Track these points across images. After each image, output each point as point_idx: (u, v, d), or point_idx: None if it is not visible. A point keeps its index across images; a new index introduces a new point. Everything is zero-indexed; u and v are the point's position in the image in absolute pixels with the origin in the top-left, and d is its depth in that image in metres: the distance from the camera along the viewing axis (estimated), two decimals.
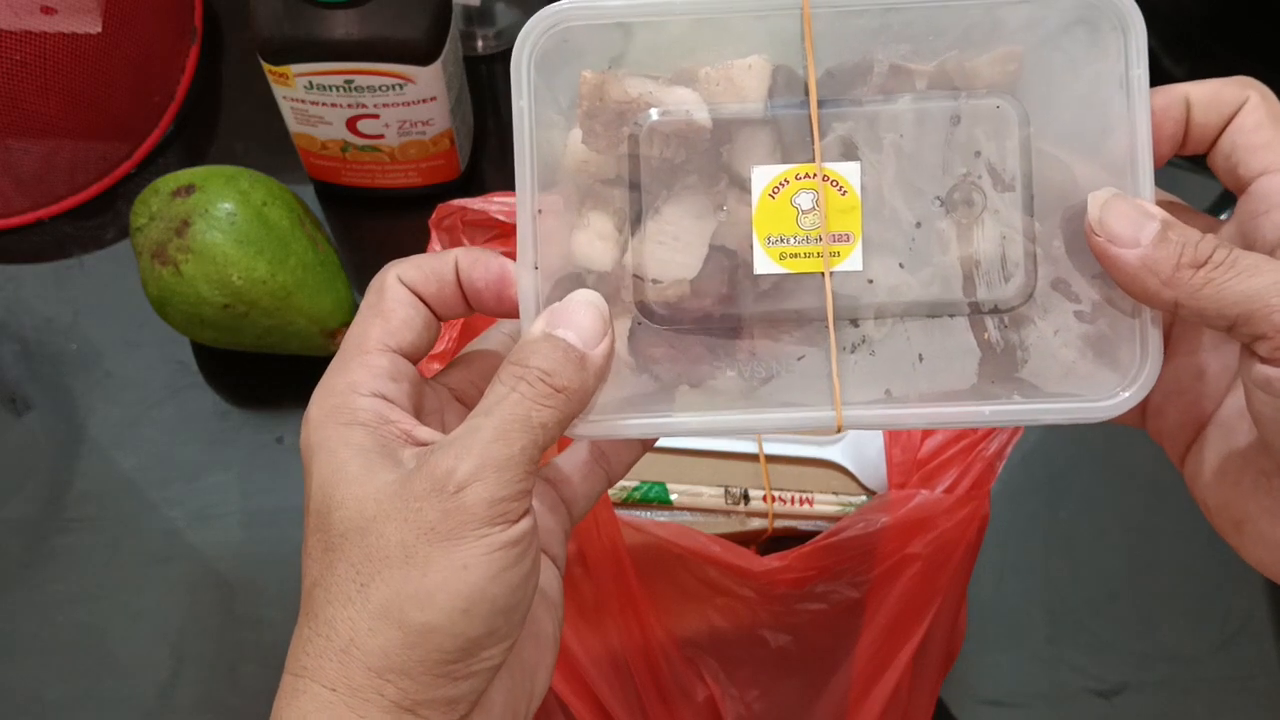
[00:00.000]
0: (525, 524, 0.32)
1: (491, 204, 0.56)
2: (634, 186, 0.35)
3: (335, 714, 0.31)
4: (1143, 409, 0.37)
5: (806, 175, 0.35)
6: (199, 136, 0.73)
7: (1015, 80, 0.35)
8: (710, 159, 0.35)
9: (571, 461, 0.39)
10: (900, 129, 0.35)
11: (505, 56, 0.74)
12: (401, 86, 0.61)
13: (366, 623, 0.31)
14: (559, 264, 0.35)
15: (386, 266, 0.36)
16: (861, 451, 0.59)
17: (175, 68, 0.73)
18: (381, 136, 0.65)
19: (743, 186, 0.35)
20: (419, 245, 0.56)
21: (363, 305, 0.36)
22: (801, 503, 0.58)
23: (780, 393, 0.35)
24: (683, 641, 0.53)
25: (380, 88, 0.61)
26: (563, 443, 0.46)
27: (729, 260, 0.35)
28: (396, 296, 0.35)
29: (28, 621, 0.62)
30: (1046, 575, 0.63)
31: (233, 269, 0.59)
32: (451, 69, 0.62)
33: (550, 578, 0.37)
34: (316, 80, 0.60)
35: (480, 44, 0.74)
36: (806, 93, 0.35)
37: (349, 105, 0.62)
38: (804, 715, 0.53)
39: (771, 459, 0.59)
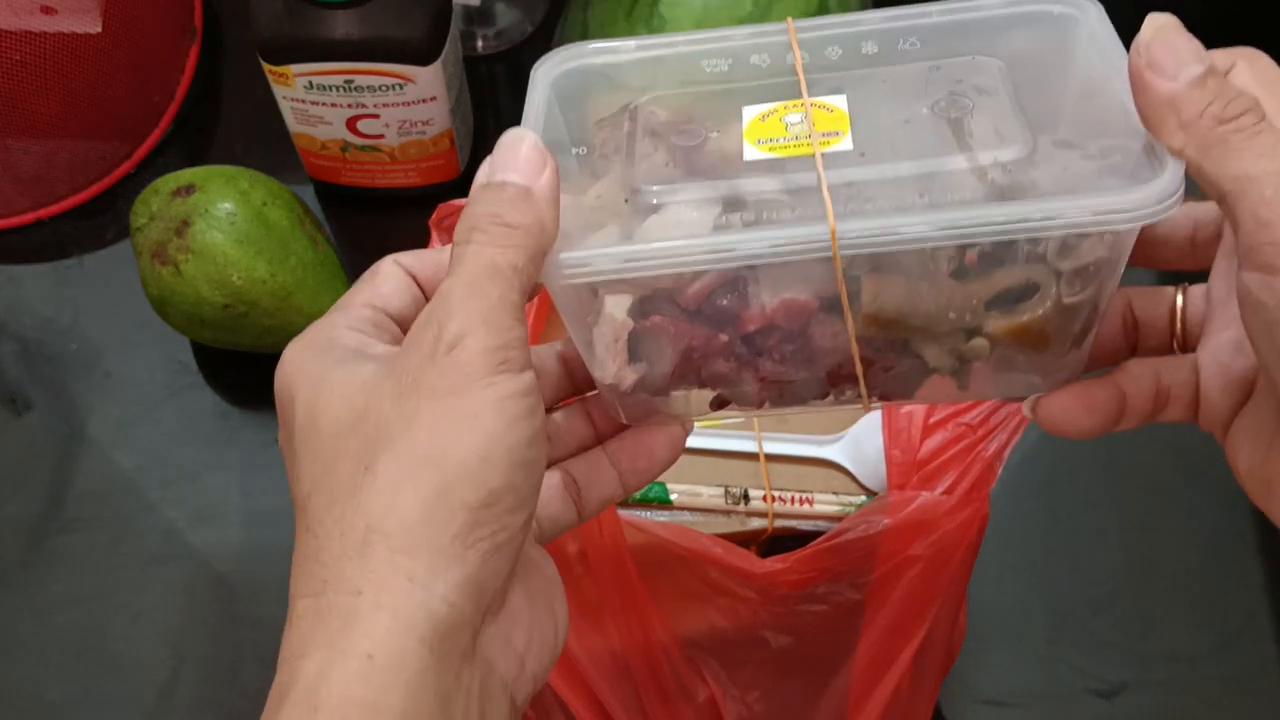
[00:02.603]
0: (529, 376, 0.31)
1: None
2: (636, 192, 0.35)
3: (369, 622, 0.29)
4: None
5: (795, 106, 0.35)
6: (199, 136, 0.73)
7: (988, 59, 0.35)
8: (715, 161, 0.35)
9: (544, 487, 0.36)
10: (880, 78, 0.35)
11: (505, 56, 0.74)
12: (401, 86, 0.61)
13: (381, 500, 0.30)
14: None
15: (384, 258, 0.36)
16: (861, 451, 0.59)
17: (175, 68, 0.73)
18: (381, 136, 0.65)
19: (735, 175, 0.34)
20: (419, 245, 0.56)
21: (363, 276, 0.35)
22: (801, 503, 0.58)
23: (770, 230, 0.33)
24: (684, 641, 0.53)
25: (380, 88, 0.61)
26: None
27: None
28: (388, 272, 0.35)
29: (28, 622, 0.62)
30: (1046, 575, 0.63)
31: (233, 269, 0.59)
32: (451, 69, 0.62)
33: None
34: (316, 80, 0.60)
35: (480, 44, 0.74)
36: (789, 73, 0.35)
37: (349, 105, 0.62)
38: (805, 715, 0.53)
39: (771, 458, 0.59)
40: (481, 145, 0.71)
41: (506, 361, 0.30)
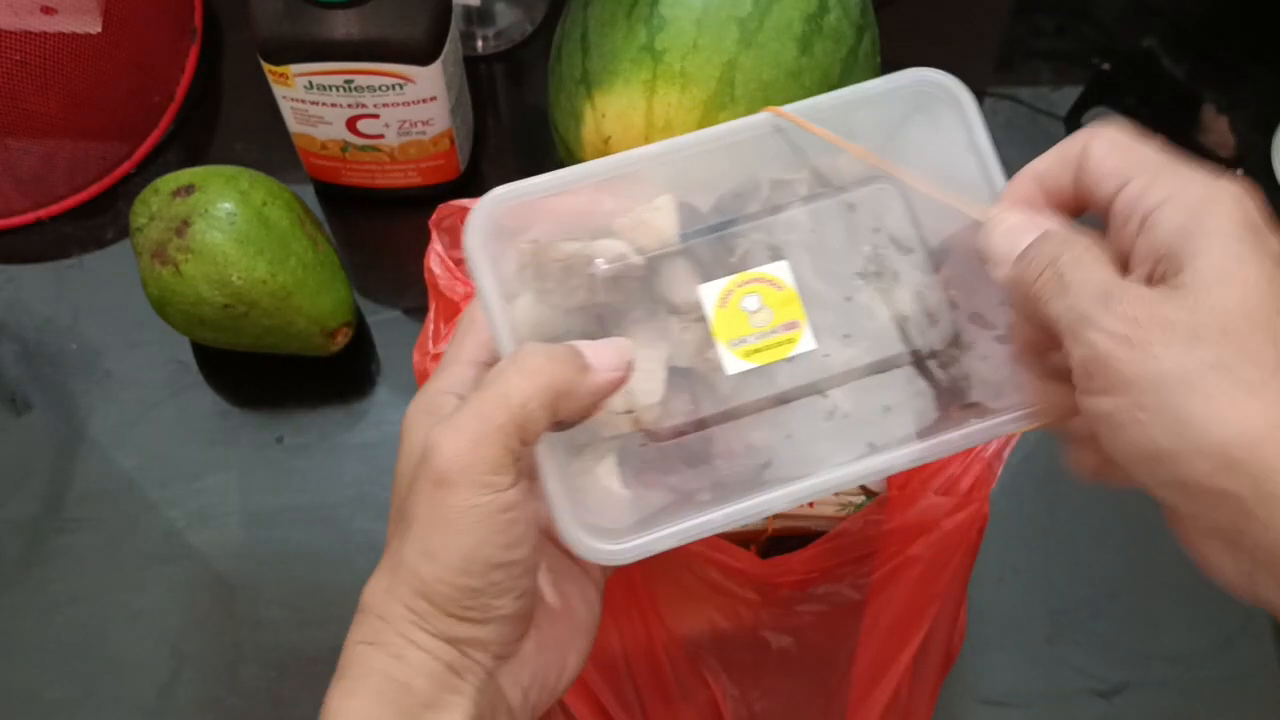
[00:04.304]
0: (509, 495, 0.35)
1: None
2: (586, 336, 0.38)
3: (385, 635, 0.36)
4: None
5: (746, 281, 0.39)
6: (199, 136, 0.73)
7: (874, 168, 0.40)
8: (645, 295, 0.39)
9: None
10: (805, 227, 0.40)
11: (505, 56, 0.74)
12: (401, 86, 0.61)
13: (403, 571, 0.36)
14: None
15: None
16: None
17: (175, 68, 0.73)
18: (381, 136, 0.65)
19: (678, 311, 0.39)
20: (419, 245, 0.56)
21: (459, 323, 0.40)
22: None
23: (782, 471, 0.39)
24: (685, 642, 0.53)
25: (380, 88, 0.61)
26: None
27: (688, 377, 0.39)
28: (482, 320, 0.39)
29: (28, 621, 0.62)
30: (1046, 575, 0.63)
31: (233, 269, 0.59)
32: (451, 69, 0.62)
33: (584, 583, 0.40)
34: (316, 80, 0.60)
35: (480, 44, 0.74)
36: (710, 220, 0.40)
37: (349, 105, 0.62)
38: (805, 716, 0.53)
39: None
40: (481, 145, 0.71)
41: (489, 485, 0.35)
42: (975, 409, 0.39)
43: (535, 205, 0.38)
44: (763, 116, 0.39)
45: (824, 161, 0.40)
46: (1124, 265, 0.34)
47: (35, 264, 0.70)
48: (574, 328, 0.38)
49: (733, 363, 0.39)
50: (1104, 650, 0.61)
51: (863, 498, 0.58)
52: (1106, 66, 0.75)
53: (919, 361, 0.40)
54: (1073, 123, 0.73)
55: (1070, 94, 0.74)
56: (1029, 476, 0.64)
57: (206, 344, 0.65)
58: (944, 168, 0.39)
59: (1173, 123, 0.74)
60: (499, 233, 0.38)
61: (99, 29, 0.67)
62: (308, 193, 0.70)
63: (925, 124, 0.40)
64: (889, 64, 0.42)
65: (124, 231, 0.69)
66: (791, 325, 0.39)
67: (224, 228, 0.60)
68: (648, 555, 0.36)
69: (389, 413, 0.66)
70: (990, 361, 0.40)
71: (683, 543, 0.37)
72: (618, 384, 0.37)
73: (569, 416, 0.36)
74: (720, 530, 0.37)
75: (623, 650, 0.52)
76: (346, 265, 0.65)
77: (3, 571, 0.63)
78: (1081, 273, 0.33)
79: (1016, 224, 0.36)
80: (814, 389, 0.39)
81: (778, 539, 0.58)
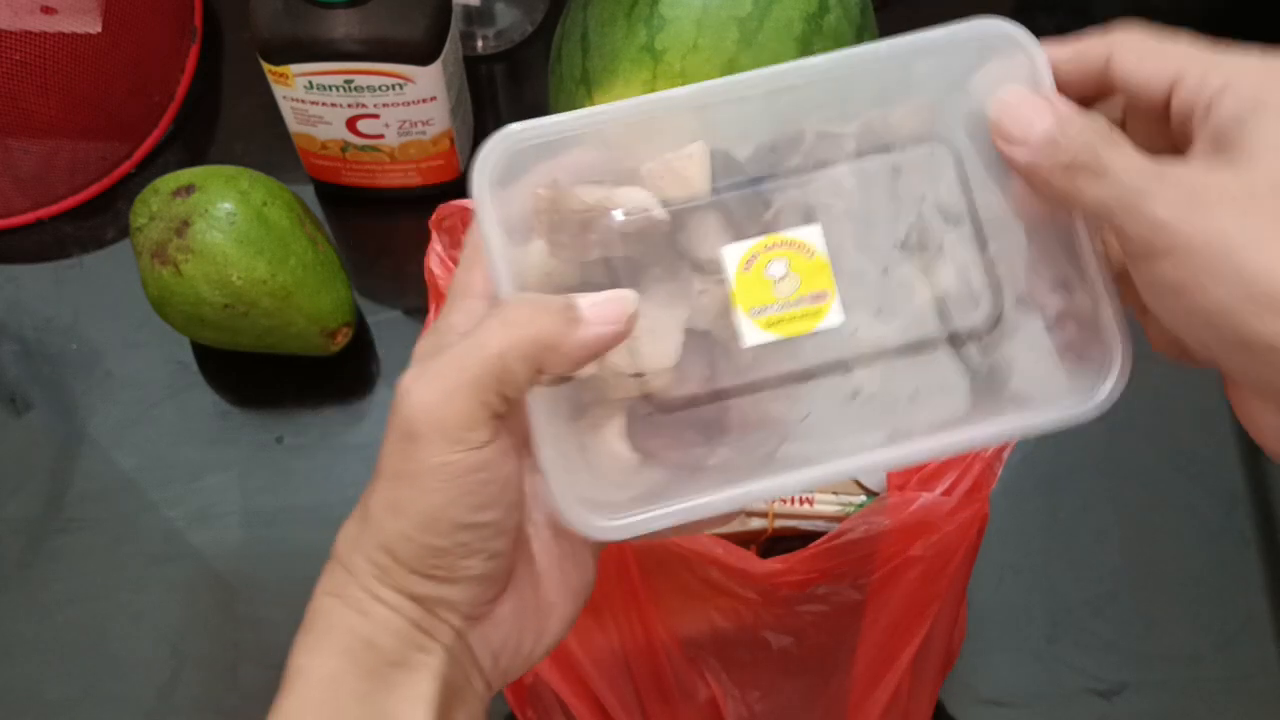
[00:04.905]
0: (482, 454, 0.33)
1: None
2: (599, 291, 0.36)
3: (350, 588, 0.35)
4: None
5: (774, 245, 0.36)
6: (199, 136, 0.73)
7: (934, 125, 0.37)
8: (668, 250, 0.36)
9: None
10: (848, 189, 0.37)
11: (505, 56, 0.74)
12: (401, 86, 0.61)
13: (369, 522, 0.35)
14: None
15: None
16: None
17: (175, 68, 0.73)
18: (381, 136, 0.65)
19: (703, 270, 0.36)
20: (419, 245, 0.56)
21: (463, 254, 0.37)
22: (801, 502, 0.58)
23: (795, 452, 0.36)
24: (685, 641, 0.53)
25: (380, 88, 0.61)
26: None
27: (705, 341, 0.36)
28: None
29: (28, 621, 0.62)
30: (1046, 575, 0.63)
31: (233, 269, 0.59)
32: (451, 69, 0.62)
33: (578, 543, 0.38)
34: (316, 80, 0.60)
35: (480, 44, 0.74)
36: (746, 171, 0.37)
37: (349, 105, 0.62)
38: (805, 715, 0.53)
39: None
40: (481, 145, 0.71)
41: (460, 441, 0.33)
42: (1014, 401, 0.36)
43: (554, 145, 0.35)
44: (809, 61, 0.36)
45: (875, 115, 0.37)
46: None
47: (35, 264, 0.70)
48: (588, 281, 0.35)
49: (752, 333, 0.35)
50: (1104, 650, 0.61)
51: (863, 497, 0.58)
52: None
53: (956, 345, 0.37)
54: None
55: None
56: (1029, 476, 0.64)
57: (206, 344, 0.65)
58: None
59: None
60: (512, 173, 0.35)
61: (99, 29, 0.67)
62: (308, 193, 0.70)
63: (989, 77, 0.36)
64: None
65: (124, 231, 0.69)
66: (819, 296, 0.36)
67: (224, 228, 0.60)
68: (645, 533, 0.34)
69: (389, 413, 0.66)
70: (1035, 351, 0.36)
71: (682, 522, 0.34)
72: (613, 339, 0.34)
73: (555, 371, 0.34)
74: (724, 512, 0.35)
75: (623, 650, 0.52)
76: (346, 265, 0.65)
77: (3, 571, 0.63)
78: (1122, 156, 0.33)
79: (1029, 104, 0.34)
80: (838, 367, 0.36)
81: (778, 539, 0.58)
